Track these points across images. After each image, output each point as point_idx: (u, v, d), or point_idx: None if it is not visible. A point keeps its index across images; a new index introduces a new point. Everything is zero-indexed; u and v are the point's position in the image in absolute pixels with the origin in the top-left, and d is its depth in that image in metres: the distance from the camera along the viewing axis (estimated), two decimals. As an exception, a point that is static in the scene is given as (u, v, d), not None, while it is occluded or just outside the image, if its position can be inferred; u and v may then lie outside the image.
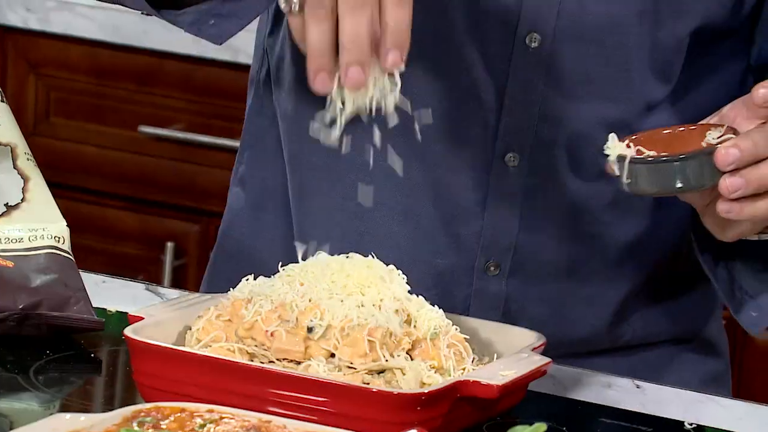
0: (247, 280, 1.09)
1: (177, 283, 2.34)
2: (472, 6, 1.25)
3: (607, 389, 1.16)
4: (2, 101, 1.23)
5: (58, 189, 1.27)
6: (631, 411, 1.12)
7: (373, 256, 1.10)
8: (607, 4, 1.24)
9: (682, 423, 1.12)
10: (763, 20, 1.29)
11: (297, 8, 1.06)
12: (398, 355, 1.02)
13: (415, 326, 1.04)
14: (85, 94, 2.43)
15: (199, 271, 2.34)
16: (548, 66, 1.25)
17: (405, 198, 1.30)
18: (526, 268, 1.29)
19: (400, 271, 1.08)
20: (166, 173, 2.37)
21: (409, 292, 1.09)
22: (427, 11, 1.21)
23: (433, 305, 1.09)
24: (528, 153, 1.26)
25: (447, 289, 1.29)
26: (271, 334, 1.02)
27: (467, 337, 1.07)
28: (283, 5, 1.06)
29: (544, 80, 1.25)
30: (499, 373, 1.01)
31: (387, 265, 1.08)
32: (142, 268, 2.30)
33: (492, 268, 1.28)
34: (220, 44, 1.23)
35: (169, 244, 2.39)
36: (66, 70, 2.46)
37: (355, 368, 1.01)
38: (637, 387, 1.18)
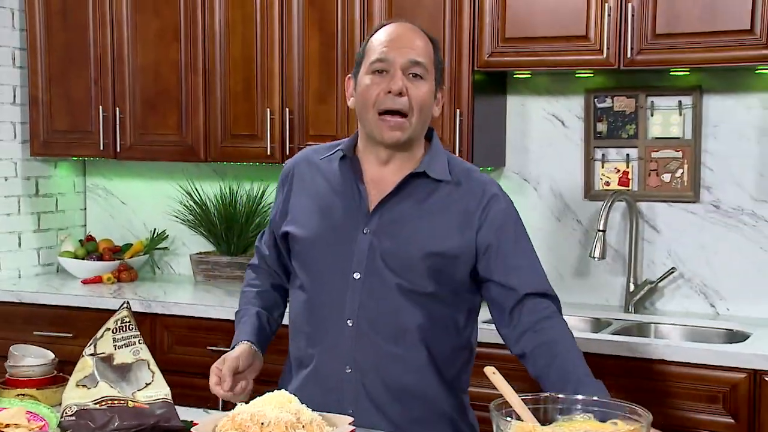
0: (239, 405, 1.82)
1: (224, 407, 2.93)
2: None
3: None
4: (144, 343, 2.05)
5: (164, 372, 2.08)
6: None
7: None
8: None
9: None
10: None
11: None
12: (297, 432, 1.82)
13: (305, 424, 1.79)
14: (183, 340, 3.35)
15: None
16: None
17: None
18: None
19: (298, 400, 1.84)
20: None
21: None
22: None
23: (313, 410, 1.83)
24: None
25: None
26: (248, 427, 1.78)
27: (326, 423, 1.84)
28: None
29: None
30: (335, 437, 1.83)
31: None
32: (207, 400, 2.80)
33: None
34: None
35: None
36: (176, 327, 3.42)
37: (281, 439, 1.82)
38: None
